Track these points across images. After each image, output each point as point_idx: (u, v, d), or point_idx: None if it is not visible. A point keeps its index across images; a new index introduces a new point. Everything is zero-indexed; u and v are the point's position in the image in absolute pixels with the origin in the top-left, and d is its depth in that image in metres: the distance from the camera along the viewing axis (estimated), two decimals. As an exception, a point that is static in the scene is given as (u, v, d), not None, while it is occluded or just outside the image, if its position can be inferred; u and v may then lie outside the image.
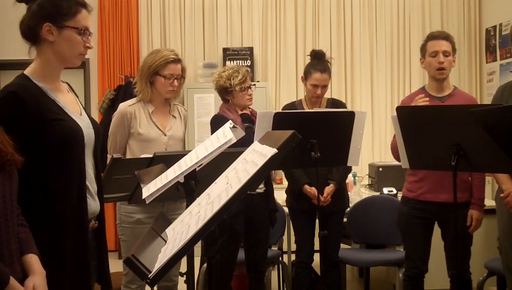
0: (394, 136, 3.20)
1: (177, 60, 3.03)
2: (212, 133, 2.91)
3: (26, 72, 2.06)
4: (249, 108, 3.46)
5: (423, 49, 3.25)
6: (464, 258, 3.17)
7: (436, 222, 3.26)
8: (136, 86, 3.08)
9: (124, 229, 3.03)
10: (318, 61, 3.57)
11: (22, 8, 2.09)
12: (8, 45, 5.91)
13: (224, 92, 3.41)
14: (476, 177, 3.16)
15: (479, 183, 3.18)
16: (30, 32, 2.03)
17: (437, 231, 3.28)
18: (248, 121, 3.33)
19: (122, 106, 3.05)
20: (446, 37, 3.23)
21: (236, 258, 3.46)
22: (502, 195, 2.94)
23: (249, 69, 3.48)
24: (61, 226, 1.99)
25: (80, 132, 2.06)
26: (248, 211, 3.33)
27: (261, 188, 3.40)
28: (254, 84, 3.49)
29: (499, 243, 3.16)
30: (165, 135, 3.03)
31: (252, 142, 1.73)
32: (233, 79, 3.35)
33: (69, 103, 2.13)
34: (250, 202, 3.33)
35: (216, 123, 3.28)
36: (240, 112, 3.40)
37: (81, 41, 2.05)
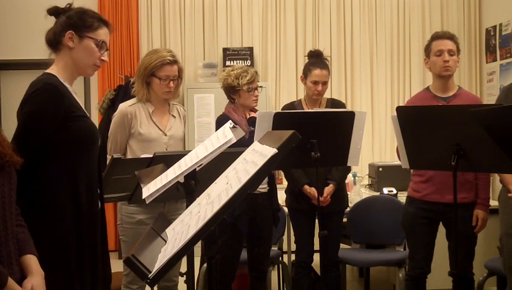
0: None
1: (173, 62, 3.00)
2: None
3: (51, 71, 2.20)
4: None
5: (427, 49, 3.25)
6: (467, 258, 3.16)
7: (441, 222, 3.25)
8: (134, 86, 3.08)
9: (125, 229, 3.00)
10: (316, 59, 3.60)
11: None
12: (9, 45, 5.91)
13: (231, 90, 3.42)
14: (481, 178, 3.16)
15: (483, 183, 3.17)
16: (54, 37, 2.21)
17: (440, 231, 3.27)
18: (254, 125, 3.32)
19: (123, 106, 3.03)
20: (451, 36, 3.23)
21: (239, 259, 3.46)
22: (510, 195, 2.91)
23: (257, 71, 3.51)
24: (82, 216, 2.15)
25: (97, 131, 2.26)
26: (252, 210, 3.35)
27: (264, 188, 3.41)
28: (261, 86, 3.51)
29: (500, 243, 3.14)
30: (166, 135, 3.03)
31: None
32: (241, 78, 3.36)
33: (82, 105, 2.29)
34: (253, 201, 3.33)
35: (221, 124, 3.27)
36: (248, 116, 3.41)
37: (98, 53, 2.22)
